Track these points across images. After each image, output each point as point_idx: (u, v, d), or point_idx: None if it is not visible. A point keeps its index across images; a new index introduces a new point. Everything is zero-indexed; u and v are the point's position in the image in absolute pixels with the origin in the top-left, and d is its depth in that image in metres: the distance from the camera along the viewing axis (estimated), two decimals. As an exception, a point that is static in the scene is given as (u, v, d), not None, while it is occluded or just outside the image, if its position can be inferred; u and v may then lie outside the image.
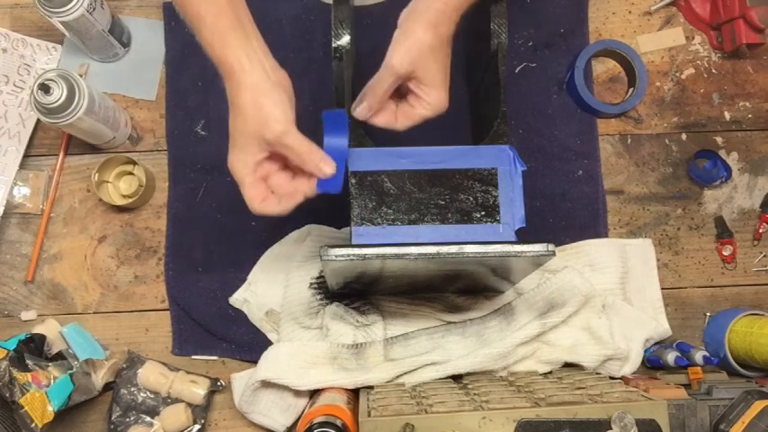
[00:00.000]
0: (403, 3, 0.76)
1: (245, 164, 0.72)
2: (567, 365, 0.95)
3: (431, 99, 0.75)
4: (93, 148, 1.03)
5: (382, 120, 0.77)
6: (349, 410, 0.84)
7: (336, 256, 0.73)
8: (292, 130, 0.71)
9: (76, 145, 1.03)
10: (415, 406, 0.79)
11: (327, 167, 0.72)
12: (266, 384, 0.92)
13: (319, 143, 0.74)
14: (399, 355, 0.91)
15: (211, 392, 0.98)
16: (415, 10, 0.73)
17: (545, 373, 0.94)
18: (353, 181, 0.78)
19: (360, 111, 0.76)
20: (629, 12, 1.08)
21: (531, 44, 1.06)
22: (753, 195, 1.05)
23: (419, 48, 0.72)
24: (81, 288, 1.01)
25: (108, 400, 0.97)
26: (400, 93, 0.78)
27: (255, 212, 0.73)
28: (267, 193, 0.74)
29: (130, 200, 0.99)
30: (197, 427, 0.97)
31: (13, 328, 0.99)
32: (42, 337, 0.92)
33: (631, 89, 1.06)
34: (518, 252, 0.73)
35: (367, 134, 0.81)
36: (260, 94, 0.70)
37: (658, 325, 0.98)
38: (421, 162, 0.79)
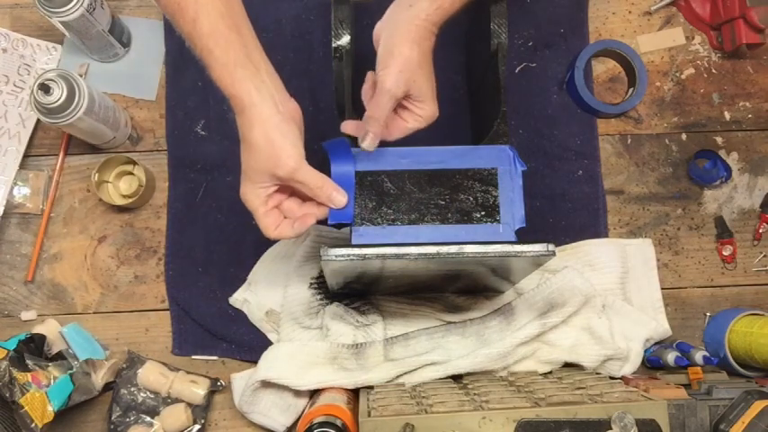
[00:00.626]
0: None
1: (257, 196, 0.74)
2: (567, 365, 0.95)
3: (422, 113, 0.76)
4: (93, 148, 1.03)
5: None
6: (349, 410, 0.84)
7: (336, 256, 0.73)
8: (303, 165, 0.72)
9: (76, 145, 1.03)
10: (415, 406, 0.79)
11: (340, 197, 0.74)
12: (266, 384, 0.92)
13: (319, 143, 0.75)
14: (399, 355, 0.91)
15: (211, 392, 0.98)
16: (395, 28, 0.73)
17: (545, 373, 0.94)
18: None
19: (369, 143, 0.76)
20: (629, 12, 1.08)
21: (531, 44, 1.06)
22: (753, 195, 1.05)
23: (410, 68, 0.73)
24: (81, 288, 1.01)
25: (108, 400, 0.97)
26: None
27: (271, 238, 0.76)
28: (280, 219, 0.76)
29: (130, 200, 0.99)
30: (197, 427, 0.97)
31: (13, 328, 0.99)
32: (42, 337, 0.92)
33: (631, 89, 1.06)
34: (518, 252, 0.73)
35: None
36: (271, 128, 0.71)
37: (658, 325, 0.98)
38: (421, 162, 0.79)
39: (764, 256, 1.04)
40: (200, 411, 0.97)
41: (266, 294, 0.99)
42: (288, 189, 0.76)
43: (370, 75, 0.78)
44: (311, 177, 0.73)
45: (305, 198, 0.77)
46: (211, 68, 0.71)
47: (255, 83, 0.71)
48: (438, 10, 0.73)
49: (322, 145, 0.77)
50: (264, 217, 0.75)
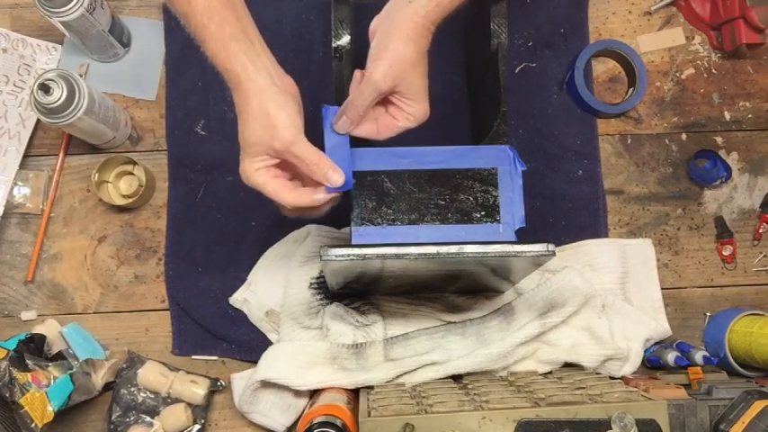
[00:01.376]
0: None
1: (256, 169, 0.72)
2: (567, 365, 0.95)
3: (413, 111, 0.75)
4: (93, 148, 1.03)
5: (364, 131, 0.76)
6: (349, 410, 0.84)
7: (336, 256, 0.73)
8: (301, 138, 0.71)
9: (76, 145, 1.03)
10: (415, 406, 0.79)
11: (337, 177, 0.72)
12: (266, 384, 0.92)
13: (319, 142, 0.74)
14: (399, 355, 0.91)
15: (211, 392, 0.98)
16: (392, 23, 0.73)
17: (545, 373, 0.94)
18: (353, 181, 0.78)
19: (341, 125, 0.75)
20: (629, 12, 1.08)
21: (531, 44, 1.06)
22: (753, 195, 1.05)
23: (401, 64, 0.72)
24: (81, 288, 1.01)
25: (108, 400, 0.97)
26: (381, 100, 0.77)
27: (288, 204, 0.73)
28: (291, 185, 0.73)
29: (130, 200, 0.99)
30: (197, 427, 0.97)
31: (13, 328, 0.99)
32: (42, 337, 0.92)
33: (631, 89, 1.06)
34: (518, 252, 0.73)
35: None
36: (266, 100, 0.70)
37: (658, 325, 0.98)
38: (421, 162, 0.79)
39: (764, 256, 1.04)
40: (200, 411, 0.97)
41: (266, 294, 0.98)
42: (288, 169, 0.75)
43: (357, 73, 0.77)
44: (308, 153, 0.71)
45: (304, 182, 0.76)
46: (206, 44, 0.70)
47: (251, 56, 0.70)
48: (437, 7, 0.72)
49: (321, 109, 0.76)
50: (272, 182, 0.72)
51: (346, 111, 0.74)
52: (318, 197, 0.73)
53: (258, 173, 0.72)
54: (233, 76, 0.70)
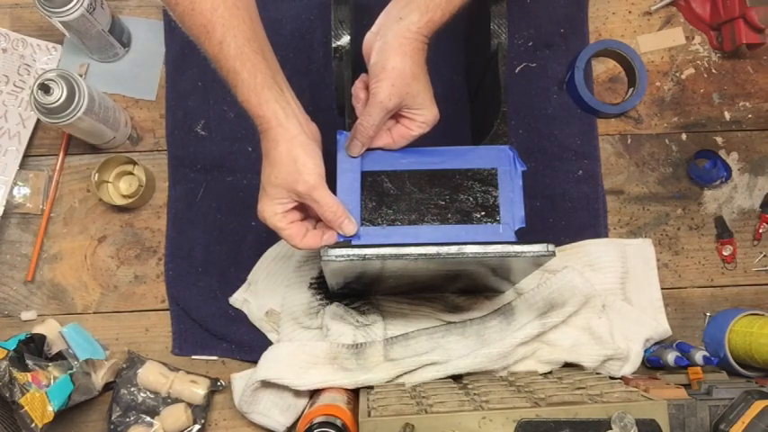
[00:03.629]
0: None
1: (274, 212, 0.75)
2: (567, 365, 0.95)
3: (424, 119, 0.77)
4: (93, 148, 1.03)
5: (380, 143, 0.78)
6: (349, 410, 0.84)
7: (336, 257, 0.73)
8: (323, 185, 0.73)
9: (76, 145, 1.03)
10: (415, 406, 0.79)
11: (351, 227, 0.75)
12: (266, 384, 0.92)
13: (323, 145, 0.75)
14: (399, 355, 0.91)
15: (211, 392, 0.98)
16: (385, 40, 0.74)
17: (545, 373, 0.94)
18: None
19: (353, 149, 0.77)
20: (629, 12, 1.08)
21: (531, 44, 1.06)
22: (753, 195, 1.05)
23: (402, 80, 0.73)
24: (81, 288, 1.01)
25: (108, 400, 0.97)
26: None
27: (298, 248, 0.76)
28: (304, 230, 0.76)
29: (130, 200, 0.99)
30: (197, 427, 0.97)
31: (13, 328, 0.99)
32: (42, 337, 0.92)
33: (631, 89, 1.06)
34: (518, 252, 0.73)
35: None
36: (295, 146, 0.72)
37: (658, 325, 0.98)
38: (421, 162, 0.79)
39: (764, 256, 1.04)
40: (200, 411, 0.97)
41: (266, 294, 0.99)
42: (303, 211, 0.77)
43: (363, 76, 0.78)
44: (328, 200, 0.73)
45: (315, 221, 0.78)
46: (238, 89, 0.72)
47: (281, 104, 0.72)
48: (429, 23, 0.73)
49: (337, 134, 0.78)
50: (288, 228, 0.75)
51: (357, 134, 0.76)
52: (326, 242, 0.76)
53: (276, 217, 0.75)
54: (264, 121, 0.72)
